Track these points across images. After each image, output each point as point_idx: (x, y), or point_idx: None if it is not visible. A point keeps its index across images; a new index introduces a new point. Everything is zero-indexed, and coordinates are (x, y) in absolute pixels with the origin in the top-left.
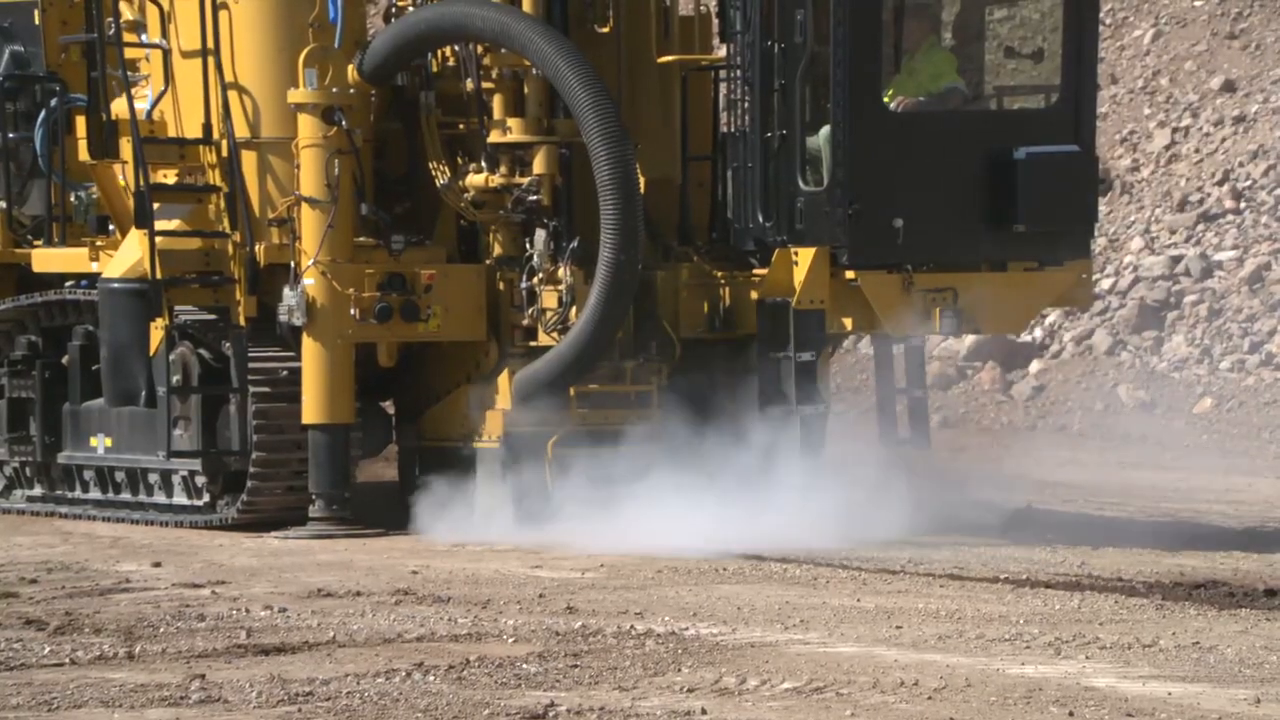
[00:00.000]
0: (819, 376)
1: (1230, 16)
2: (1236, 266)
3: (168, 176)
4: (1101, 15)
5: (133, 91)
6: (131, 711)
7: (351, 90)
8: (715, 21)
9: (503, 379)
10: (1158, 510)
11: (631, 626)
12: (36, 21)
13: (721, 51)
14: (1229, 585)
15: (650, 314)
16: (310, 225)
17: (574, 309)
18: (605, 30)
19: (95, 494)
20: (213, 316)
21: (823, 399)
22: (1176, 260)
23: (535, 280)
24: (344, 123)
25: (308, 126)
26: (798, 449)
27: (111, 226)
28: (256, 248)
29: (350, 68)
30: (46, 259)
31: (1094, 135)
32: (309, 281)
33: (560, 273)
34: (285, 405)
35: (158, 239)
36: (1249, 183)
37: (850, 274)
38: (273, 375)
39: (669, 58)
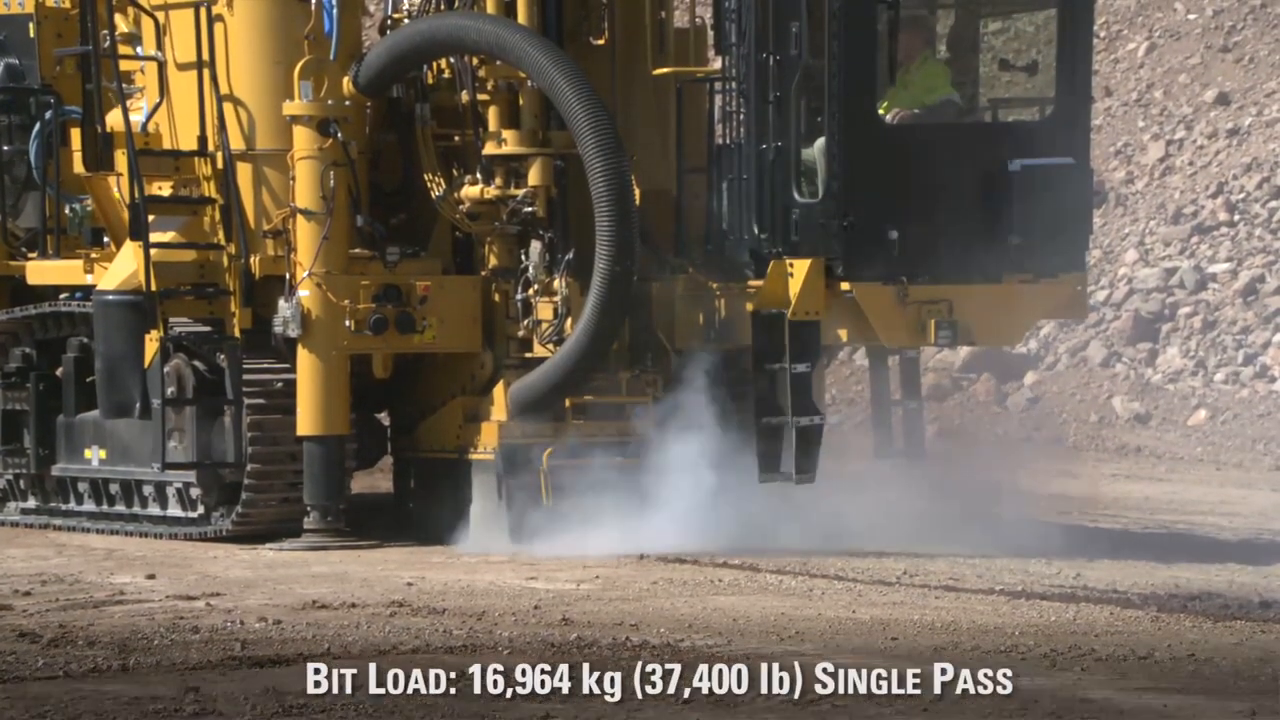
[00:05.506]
0: (814, 388)
1: (1224, 30)
2: (1230, 279)
3: (163, 189)
4: (1096, 28)
5: (128, 104)
6: None
7: (347, 102)
8: (710, 34)
9: (498, 391)
10: (1152, 522)
11: (627, 638)
12: (31, 34)
13: (717, 64)
14: (1224, 597)
15: (645, 326)
16: (305, 237)
17: (569, 321)
18: (600, 42)
19: (89, 506)
20: (208, 329)
21: (818, 410)
22: (1171, 273)
23: (530, 292)
24: (339, 135)
25: (303, 138)
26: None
27: (106, 239)
28: (251, 260)
29: (345, 80)
30: (41, 271)
31: (1088, 148)
32: (304, 293)
33: (555, 284)
34: (280, 417)
35: (153, 251)
36: (1243, 195)
37: (845, 285)
38: (267, 387)
39: (664, 70)
